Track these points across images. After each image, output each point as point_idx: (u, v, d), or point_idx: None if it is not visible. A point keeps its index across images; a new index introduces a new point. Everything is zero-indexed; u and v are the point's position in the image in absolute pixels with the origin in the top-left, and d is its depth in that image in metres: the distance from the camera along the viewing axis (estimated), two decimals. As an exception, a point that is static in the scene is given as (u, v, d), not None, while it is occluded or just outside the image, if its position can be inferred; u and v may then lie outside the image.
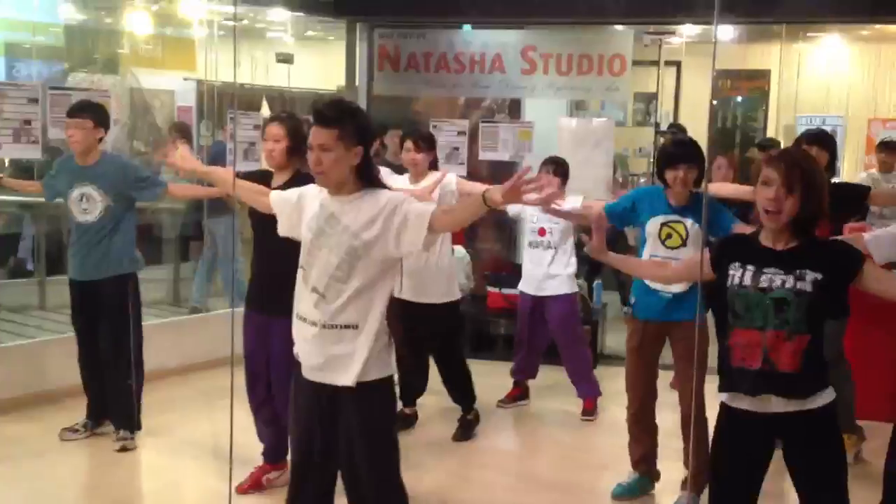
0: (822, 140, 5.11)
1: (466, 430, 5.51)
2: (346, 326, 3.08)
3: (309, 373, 3.18)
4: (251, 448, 4.65)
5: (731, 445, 3.12)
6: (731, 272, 3.02)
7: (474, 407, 5.59)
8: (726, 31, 8.97)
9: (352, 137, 3.04)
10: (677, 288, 4.30)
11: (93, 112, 5.01)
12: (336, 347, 3.09)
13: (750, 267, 2.98)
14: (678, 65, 9.60)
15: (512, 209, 6.04)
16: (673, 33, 9.00)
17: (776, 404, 2.98)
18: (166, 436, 5.41)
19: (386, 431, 3.23)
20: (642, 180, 8.98)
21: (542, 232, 5.95)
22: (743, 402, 3.04)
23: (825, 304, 2.95)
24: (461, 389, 5.60)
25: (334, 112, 3.08)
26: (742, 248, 3.06)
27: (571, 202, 5.84)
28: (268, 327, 4.32)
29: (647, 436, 4.61)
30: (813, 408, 2.98)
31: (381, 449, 3.19)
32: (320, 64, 9.49)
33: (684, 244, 4.34)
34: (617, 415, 5.02)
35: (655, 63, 8.14)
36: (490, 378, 6.72)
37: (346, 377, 3.08)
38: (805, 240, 2.98)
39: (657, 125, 8.26)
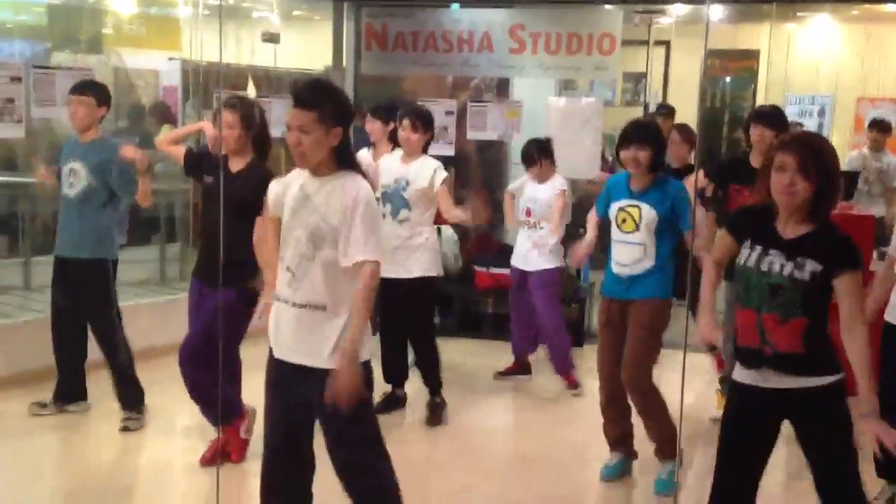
0: (768, 118, 5.09)
1: (438, 413, 5.44)
2: (316, 307, 3.08)
3: (283, 353, 3.17)
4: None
5: (736, 417, 3.16)
6: (743, 250, 3.08)
7: (440, 390, 5.52)
8: (716, 11, 8.92)
9: (331, 119, 3.04)
10: (637, 269, 4.39)
11: (96, 90, 5.13)
12: (308, 328, 3.10)
13: (757, 247, 3.03)
14: (667, 44, 9.55)
15: (512, 185, 6.27)
16: (663, 13, 8.96)
17: (778, 380, 3.02)
18: (151, 415, 5.41)
19: (359, 413, 3.13)
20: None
21: (528, 213, 6.07)
22: (747, 377, 3.09)
23: (823, 293, 2.98)
24: (431, 371, 5.51)
25: (313, 93, 3.08)
26: (758, 225, 3.08)
27: (558, 183, 6.00)
28: (212, 298, 4.37)
29: (621, 417, 4.61)
30: (820, 384, 3.00)
31: (352, 429, 3.13)
32: (307, 43, 9.41)
33: (637, 228, 4.39)
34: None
35: (645, 43, 8.10)
36: (479, 358, 6.76)
37: (319, 359, 3.08)
38: (815, 227, 2.99)
39: (646, 105, 8.23)
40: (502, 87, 8.38)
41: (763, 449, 3.15)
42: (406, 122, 5.30)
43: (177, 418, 5.44)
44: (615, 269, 4.48)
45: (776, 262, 2.97)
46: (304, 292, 3.09)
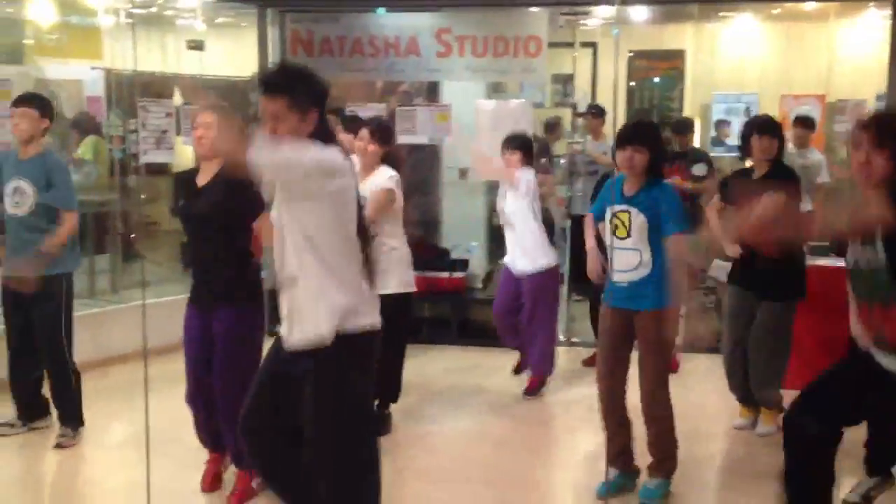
0: (764, 126, 5.19)
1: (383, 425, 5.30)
2: (289, 278, 3.04)
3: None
4: (172, 437, 4.61)
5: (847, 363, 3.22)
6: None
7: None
8: (640, 12, 9.08)
9: (304, 103, 2.93)
10: (635, 276, 4.24)
11: (38, 102, 5.04)
12: (290, 304, 3.07)
13: (856, 242, 3.01)
14: (594, 46, 9.66)
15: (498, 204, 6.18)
16: (588, 14, 9.07)
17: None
18: (85, 430, 5.32)
19: (338, 399, 3.05)
20: (562, 161, 9.05)
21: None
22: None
23: None
24: (393, 381, 5.38)
25: (281, 79, 2.98)
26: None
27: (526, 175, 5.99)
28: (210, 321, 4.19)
29: (619, 431, 4.43)
30: None
31: (326, 417, 3.06)
32: (233, 50, 9.35)
33: (629, 234, 4.24)
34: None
35: (571, 44, 8.18)
36: (417, 361, 6.74)
37: (296, 335, 3.05)
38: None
39: (574, 106, 8.31)
40: (432, 91, 8.42)
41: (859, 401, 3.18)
42: (365, 132, 5.17)
43: (108, 435, 5.36)
44: (614, 276, 4.30)
45: (866, 248, 2.97)
46: (282, 267, 3.07)
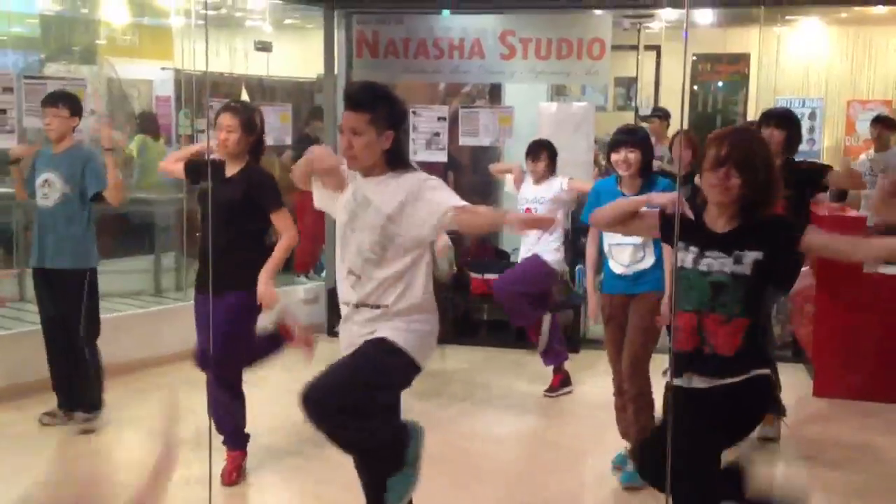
0: (777, 119, 5.14)
1: None
2: (377, 306, 3.11)
3: (347, 351, 3.20)
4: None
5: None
6: (679, 252, 3.02)
7: None
8: (705, 16, 8.99)
9: (383, 122, 3.06)
10: (639, 267, 4.52)
11: (68, 101, 5.20)
12: (369, 325, 3.13)
13: (693, 249, 2.99)
14: (658, 49, 9.59)
15: (510, 186, 6.30)
16: (652, 18, 9.00)
17: (698, 382, 2.99)
18: (146, 425, 5.40)
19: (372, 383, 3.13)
20: (624, 165, 8.98)
21: (527, 211, 6.03)
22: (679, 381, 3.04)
23: (765, 284, 2.94)
24: None
25: (365, 96, 3.10)
26: (686, 226, 2.99)
27: (557, 183, 6.00)
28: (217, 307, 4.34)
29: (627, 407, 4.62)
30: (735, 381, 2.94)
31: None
32: (299, 51, 9.45)
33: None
34: (599, 397, 5.03)
35: (635, 48, 8.12)
36: (475, 365, 6.75)
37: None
38: (747, 220, 2.97)
39: (637, 110, 8.25)
40: (494, 93, 8.42)
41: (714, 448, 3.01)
42: None
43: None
44: (617, 269, 4.59)
45: (715, 261, 2.94)
46: (369, 294, 3.12)
